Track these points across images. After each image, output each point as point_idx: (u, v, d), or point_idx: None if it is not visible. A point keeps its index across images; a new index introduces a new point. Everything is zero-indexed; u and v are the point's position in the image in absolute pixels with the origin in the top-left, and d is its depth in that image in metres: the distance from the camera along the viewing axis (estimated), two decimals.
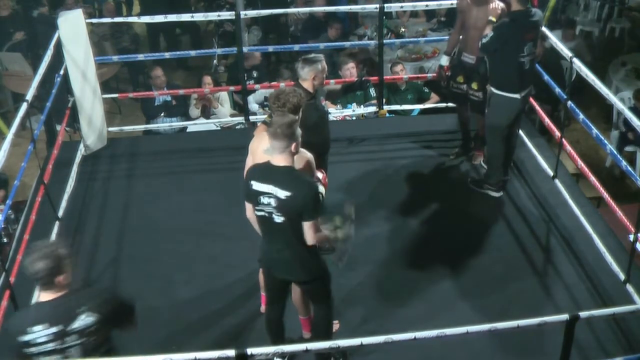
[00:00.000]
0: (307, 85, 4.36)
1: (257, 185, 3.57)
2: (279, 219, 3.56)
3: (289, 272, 3.78)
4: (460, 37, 5.59)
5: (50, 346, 2.94)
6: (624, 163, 4.68)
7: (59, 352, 2.95)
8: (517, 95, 5.14)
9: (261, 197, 3.56)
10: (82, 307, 2.97)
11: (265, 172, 3.58)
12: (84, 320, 2.96)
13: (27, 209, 5.19)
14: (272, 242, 3.71)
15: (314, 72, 4.33)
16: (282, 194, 3.50)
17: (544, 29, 5.58)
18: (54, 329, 2.93)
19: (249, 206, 3.73)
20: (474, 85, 5.55)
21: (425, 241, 5.12)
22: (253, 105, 7.57)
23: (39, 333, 2.92)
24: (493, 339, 3.96)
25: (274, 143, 3.51)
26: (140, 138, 7.06)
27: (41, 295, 3.00)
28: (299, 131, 3.56)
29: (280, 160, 3.54)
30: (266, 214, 3.59)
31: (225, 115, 7.56)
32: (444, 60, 5.75)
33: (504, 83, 5.15)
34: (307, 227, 3.55)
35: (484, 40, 5.08)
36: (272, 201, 3.53)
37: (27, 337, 2.92)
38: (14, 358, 2.97)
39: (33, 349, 2.94)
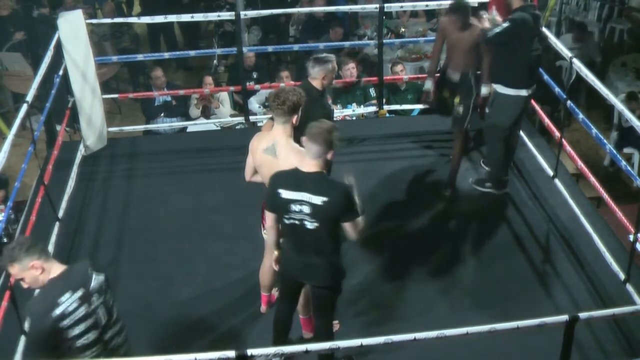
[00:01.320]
0: (316, 83, 4.39)
1: (286, 194, 3.53)
2: (311, 225, 3.53)
3: (314, 277, 3.75)
4: (444, 55, 5.56)
5: (81, 311, 3.06)
6: (623, 163, 4.68)
7: (89, 316, 3.09)
8: (524, 92, 5.14)
9: (292, 205, 3.52)
10: (90, 268, 3.18)
11: (295, 179, 3.54)
12: (97, 279, 3.16)
13: (27, 209, 5.19)
14: (300, 249, 3.67)
15: (324, 71, 4.38)
16: (318, 199, 3.47)
17: (545, 29, 5.60)
18: (79, 293, 3.06)
19: (270, 215, 3.70)
20: (456, 100, 5.41)
21: (425, 241, 5.12)
22: (254, 105, 7.57)
23: (68, 301, 3.02)
24: (493, 339, 3.95)
25: (310, 146, 3.49)
26: (140, 138, 7.06)
27: (52, 270, 3.11)
28: (337, 140, 3.55)
29: (311, 166, 3.51)
30: (297, 222, 3.55)
31: (225, 115, 7.57)
32: (428, 85, 5.64)
33: (513, 80, 5.14)
34: (349, 227, 3.57)
35: (491, 34, 5.04)
36: (305, 208, 3.50)
37: (58, 310, 3.00)
38: (49, 338, 3.01)
39: (66, 321, 3.02)
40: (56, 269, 3.13)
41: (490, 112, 5.37)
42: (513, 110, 5.24)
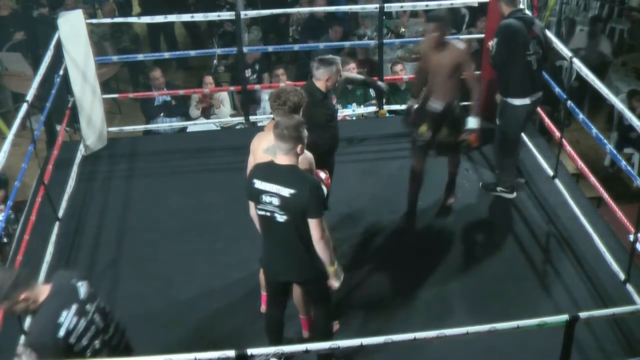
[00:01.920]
0: (320, 84, 4.40)
1: (259, 184, 3.57)
2: (281, 218, 3.56)
3: (289, 273, 3.78)
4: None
5: (82, 324, 3.07)
6: (623, 163, 4.68)
7: (90, 326, 3.12)
8: (527, 100, 5.09)
9: (263, 196, 3.56)
10: (73, 279, 3.17)
11: (268, 171, 3.58)
12: (82, 287, 3.16)
13: (27, 209, 5.19)
14: (273, 243, 3.70)
15: (328, 73, 4.37)
16: (286, 191, 3.50)
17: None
18: (74, 308, 3.06)
19: (252, 204, 3.73)
20: (445, 132, 4.97)
21: (425, 241, 5.13)
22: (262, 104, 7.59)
23: (67, 319, 3.03)
24: (493, 339, 3.96)
25: (280, 144, 3.52)
26: (140, 138, 7.06)
27: (40, 295, 3.07)
28: (305, 133, 3.56)
29: (284, 159, 3.55)
30: (268, 213, 3.59)
31: (225, 115, 7.57)
32: (411, 102, 5.20)
33: (513, 89, 5.10)
34: (313, 224, 3.55)
35: (490, 60, 5.02)
36: (275, 200, 3.53)
37: (62, 331, 3.00)
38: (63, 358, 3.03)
39: (72, 338, 3.03)
40: (43, 291, 3.08)
41: (501, 122, 5.28)
42: (522, 119, 5.21)
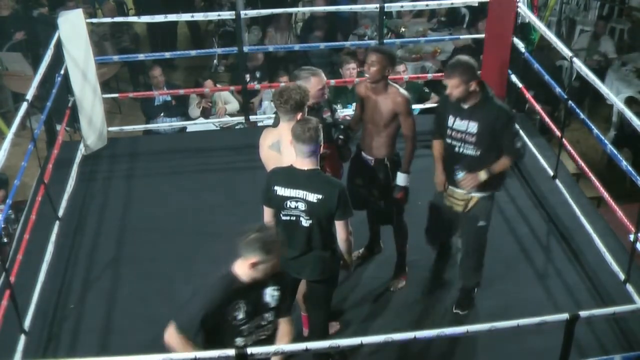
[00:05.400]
0: None
1: (282, 191, 3.58)
2: (306, 222, 3.58)
3: (306, 272, 3.79)
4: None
5: None
6: (624, 163, 4.68)
7: None
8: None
9: (288, 202, 3.57)
10: None
11: (290, 176, 3.58)
12: None
13: (27, 209, 5.19)
14: (294, 244, 3.69)
15: (307, 85, 4.03)
16: (313, 197, 3.52)
17: (545, 29, 5.62)
18: None
19: (268, 211, 3.73)
20: (375, 193, 4.47)
21: (424, 241, 5.11)
22: (264, 103, 7.57)
23: None
24: (493, 338, 3.96)
25: (301, 147, 3.51)
26: (140, 138, 7.06)
27: None
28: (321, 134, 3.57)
29: (305, 163, 3.55)
30: (292, 218, 3.60)
31: (234, 110, 7.56)
32: (338, 133, 4.32)
33: (499, 180, 4.35)
34: (340, 225, 3.61)
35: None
36: (301, 205, 3.55)
37: None
38: None
39: None
40: None
41: (472, 221, 4.36)
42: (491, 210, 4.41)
